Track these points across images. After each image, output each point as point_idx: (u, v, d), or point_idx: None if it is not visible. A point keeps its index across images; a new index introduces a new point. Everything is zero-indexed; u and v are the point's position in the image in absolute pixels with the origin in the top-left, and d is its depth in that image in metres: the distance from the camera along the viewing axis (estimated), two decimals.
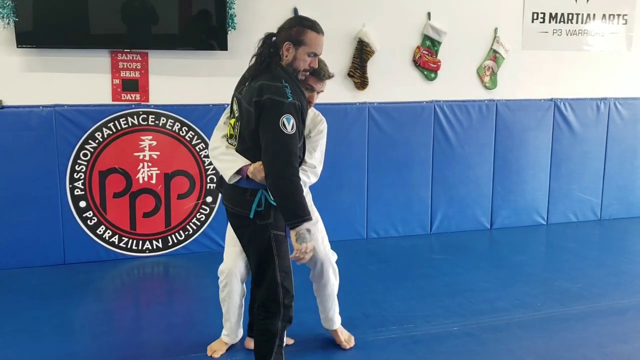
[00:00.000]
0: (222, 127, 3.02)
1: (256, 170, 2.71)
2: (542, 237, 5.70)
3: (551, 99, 5.78)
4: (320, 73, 2.95)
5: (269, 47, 2.75)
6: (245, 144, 2.78)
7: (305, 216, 2.60)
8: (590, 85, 5.92)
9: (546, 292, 4.28)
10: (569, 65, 5.83)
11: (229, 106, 2.97)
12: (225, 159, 2.85)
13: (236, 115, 2.84)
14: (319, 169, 3.10)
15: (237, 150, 2.84)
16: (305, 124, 3.00)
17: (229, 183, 2.81)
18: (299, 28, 2.72)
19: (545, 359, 3.36)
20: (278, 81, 2.67)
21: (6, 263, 4.56)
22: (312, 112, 3.11)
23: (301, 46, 2.72)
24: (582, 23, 5.81)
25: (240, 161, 2.78)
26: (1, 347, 3.41)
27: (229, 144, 2.91)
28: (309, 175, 3.03)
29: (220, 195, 4.87)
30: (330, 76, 3.03)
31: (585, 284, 4.44)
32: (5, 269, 4.54)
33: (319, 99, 3.08)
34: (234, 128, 2.86)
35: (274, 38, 2.77)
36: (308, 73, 2.84)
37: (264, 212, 2.76)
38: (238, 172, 2.77)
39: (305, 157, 3.00)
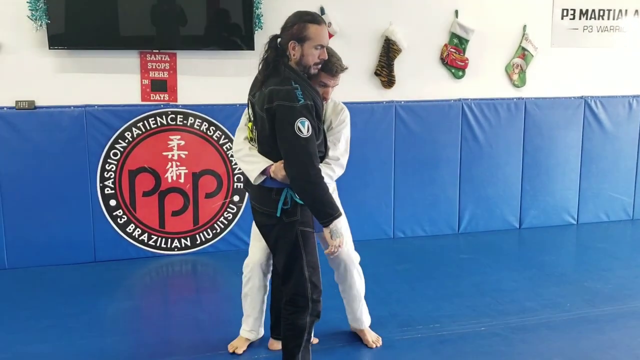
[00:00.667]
0: (244, 129, 3.03)
1: (277, 169, 2.74)
2: (572, 237, 5.62)
3: (581, 97, 5.69)
4: (332, 69, 2.92)
5: (275, 50, 2.76)
6: (264, 147, 2.82)
7: (335, 213, 2.69)
8: (621, 83, 5.81)
9: (576, 293, 4.23)
10: (599, 63, 5.73)
11: (247, 108, 2.98)
12: (249, 161, 2.88)
13: (252, 119, 2.87)
14: (344, 159, 3.06)
15: (259, 152, 2.86)
16: (325, 118, 3.01)
17: (255, 184, 2.84)
18: (299, 24, 2.71)
19: None
20: (287, 84, 2.67)
21: (39, 260, 4.65)
22: (331, 102, 3.08)
23: (306, 41, 2.72)
24: (613, 19, 5.70)
25: (264, 162, 2.80)
26: (36, 342, 3.49)
27: (251, 145, 2.94)
28: (333, 168, 2.99)
29: (247, 194, 4.92)
30: (343, 69, 2.99)
31: (616, 285, 4.37)
32: (38, 266, 4.64)
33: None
34: (252, 131, 2.89)
35: (278, 40, 2.78)
36: (320, 66, 2.82)
37: (290, 210, 2.79)
38: (262, 172, 2.80)
39: (329, 150, 2.99)
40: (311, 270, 2.85)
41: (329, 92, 3.00)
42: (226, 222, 4.99)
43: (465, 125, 5.40)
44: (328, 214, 2.68)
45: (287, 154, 2.67)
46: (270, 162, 2.78)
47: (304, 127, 2.63)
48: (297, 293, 2.84)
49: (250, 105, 2.88)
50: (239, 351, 3.36)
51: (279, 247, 2.86)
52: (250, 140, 2.94)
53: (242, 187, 4.93)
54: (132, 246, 4.83)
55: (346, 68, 3.01)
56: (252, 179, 2.84)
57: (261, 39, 4.66)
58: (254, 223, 3.19)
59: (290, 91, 2.65)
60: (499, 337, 3.57)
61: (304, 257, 2.82)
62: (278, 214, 2.78)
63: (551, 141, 5.66)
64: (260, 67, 2.81)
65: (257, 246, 3.26)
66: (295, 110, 2.62)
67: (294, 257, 2.82)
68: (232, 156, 4.86)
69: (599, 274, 4.60)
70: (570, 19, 5.60)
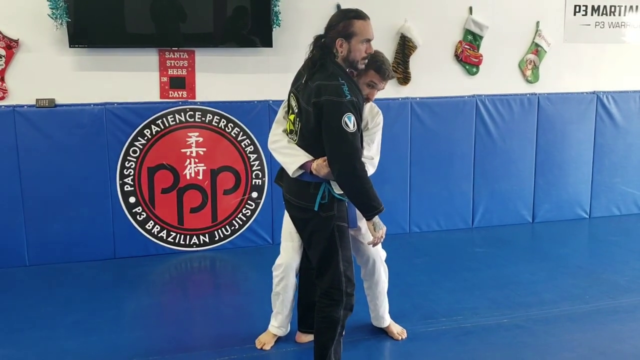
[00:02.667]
0: (282, 121, 3.08)
1: (320, 166, 2.78)
2: (585, 230, 5.67)
3: (593, 92, 5.74)
4: (385, 72, 3.04)
5: (321, 48, 2.81)
6: (306, 140, 2.86)
7: (379, 207, 2.78)
8: (633, 78, 5.86)
9: (593, 285, 4.28)
10: (611, 58, 5.78)
11: (286, 100, 3.03)
12: (288, 153, 2.92)
13: (295, 111, 2.91)
14: (377, 159, 3.18)
15: (298, 145, 2.90)
16: (362, 117, 3.07)
17: (292, 177, 2.88)
18: (345, 22, 2.78)
19: (596, 350, 3.37)
20: (335, 79, 2.74)
21: (60, 257, 4.69)
22: (368, 105, 3.16)
23: (353, 37, 2.79)
24: (624, 15, 5.75)
25: (303, 156, 2.85)
26: (62, 339, 3.53)
27: (290, 138, 2.98)
28: (368, 167, 3.05)
29: (266, 189, 4.95)
30: (392, 77, 3.13)
31: (633, 277, 4.43)
32: (59, 262, 4.67)
33: None
34: (294, 124, 2.93)
35: (323, 39, 2.83)
36: (367, 60, 2.89)
37: (328, 204, 2.84)
38: (301, 166, 2.84)
39: (364, 149, 3.05)
40: (346, 264, 2.90)
41: (374, 94, 3.12)
42: (244, 219, 5.02)
43: (479, 120, 5.45)
44: (373, 207, 2.77)
45: (332, 148, 2.72)
46: (310, 156, 2.83)
47: (350, 122, 2.69)
48: (332, 286, 2.89)
49: (293, 97, 2.92)
50: (267, 347, 3.40)
51: (315, 241, 2.91)
52: (290, 132, 2.98)
53: (260, 183, 4.96)
54: (152, 243, 4.87)
55: (395, 77, 3.13)
56: (290, 172, 2.88)
57: (279, 37, 4.76)
58: (285, 222, 3.24)
59: (338, 86, 2.71)
60: (522, 329, 3.62)
61: (340, 252, 2.87)
62: (316, 208, 2.83)
63: (564, 136, 5.70)
64: (305, 65, 2.87)
65: (289, 246, 3.30)
66: (343, 105, 2.68)
67: (330, 251, 2.87)
68: (251, 152, 4.90)
69: (615, 266, 4.65)
70: (583, 15, 5.64)
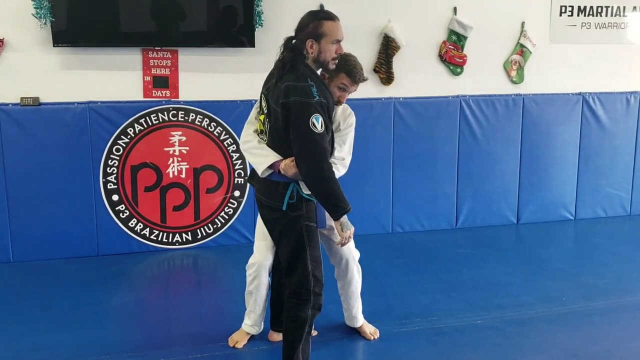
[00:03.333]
0: (253, 122, 3.12)
1: (287, 166, 2.81)
2: (570, 232, 5.67)
3: (579, 93, 5.74)
4: (355, 75, 3.06)
5: (291, 50, 2.84)
6: (275, 141, 2.89)
7: (347, 207, 2.81)
8: (620, 79, 5.85)
9: (572, 287, 4.29)
10: (597, 59, 5.77)
11: (258, 101, 3.07)
12: (258, 153, 2.95)
13: (265, 112, 2.94)
14: (348, 160, 3.19)
15: (268, 145, 2.93)
16: (335, 119, 3.10)
17: (262, 177, 2.91)
18: (315, 22, 2.82)
19: (569, 352, 3.38)
20: (304, 80, 2.76)
21: (43, 254, 4.72)
22: (341, 106, 3.19)
23: (323, 38, 2.82)
24: (611, 16, 5.74)
25: (272, 156, 2.88)
26: (43, 333, 3.58)
27: (260, 138, 3.01)
28: (338, 167, 3.09)
29: (248, 188, 4.99)
30: (363, 80, 3.14)
31: (612, 280, 4.43)
32: (42, 259, 4.71)
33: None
34: (264, 124, 2.96)
35: (293, 40, 2.86)
36: (337, 61, 2.92)
37: (296, 204, 2.87)
38: (270, 166, 2.87)
39: (335, 150, 3.09)
40: (314, 264, 2.92)
41: (345, 97, 3.14)
42: (227, 217, 5.05)
43: (464, 121, 5.46)
44: (340, 207, 2.79)
45: (300, 148, 2.74)
46: (279, 156, 2.86)
47: (318, 122, 2.71)
48: (300, 286, 2.91)
49: (264, 98, 2.95)
50: (239, 345, 3.44)
51: (284, 241, 2.93)
52: (260, 133, 3.01)
53: (242, 182, 4.99)
54: (135, 240, 4.90)
55: (366, 79, 3.17)
56: (259, 172, 2.92)
57: (261, 36, 4.78)
58: (258, 221, 3.26)
59: (306, 87, 2.74)
60: (495, 330, 3.64)
61: (308, 251, 2.90)
62: (284, 208, 2.85)
63: (549, 137, 5.71)
64: (276, 66, 2.89)
65: (261, 245, 3.33)
66: (311, 106, 2.71)
67: (298, 251, 2.89)
68: (234, 151, 4.92)
69: (595, 268, 4.66)
70: (569, 15, 5.64)
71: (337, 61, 2.92)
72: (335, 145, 3.10)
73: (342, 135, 3.17)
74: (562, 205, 5.87)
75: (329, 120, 2.85)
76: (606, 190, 5.96)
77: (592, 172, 5.89)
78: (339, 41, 2.87)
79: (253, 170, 3.08)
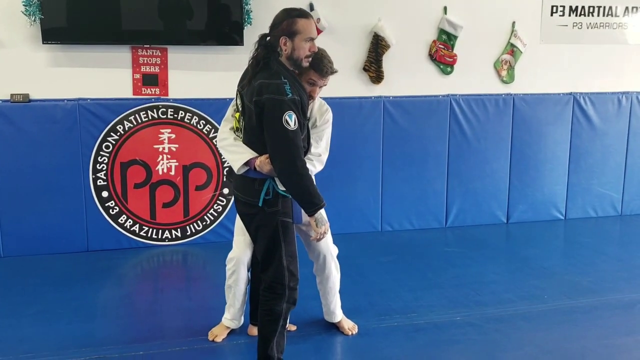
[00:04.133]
0: (230, 119, 3.15)
1: (263, 163, 2.84)
2: (560, 231, 5.67)
3: (570, 93, 5.74)
4: (322, 69, 3.06)
5: (265, 47, 2.87)
6: (250, 138, 2.92)
7: (320, 203, 2.83)
8: (611, 79, 5.86)
9: (555, 285, 4.30)
10: (589, 59, 5.78)
11: (234, 99, 3.10)
12: (234, 151, 2.98)
13: (240, 109, 2.97)
14: (324, 156, 3.21)
15: (244, 142, 2.96)
16: (310, 115, 3.13)
17: (238, 174, 2.95)
18: (288, 20, 2.83)
19: (543, 349, 3.39)
20: (277, 78, 2.79)
21: (32, 249, 4.78)
22: (317, 101, 3.21)
23: (296, 35, 2.84)
24: (603, 16, 5.75)
25: (248, 153, 2.90)
26: (23, 327, 3.62)
27: (237, 136, 3.04)
28: (315, 163, 3.12)
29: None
30: (333, 72, 3.13)
31: (596, 278, 4.43)
32: (32, 254, 4.77)
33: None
34: (239, 121, 3.00)
35: (267, 38, 2.89)
36: (310, 59, 2.93)
37: (272, 200, 2.90)
38: (246, 163, 2.90)
39: (311, 146, 3.11)
40: (289, 259, 2.95)
41: (316, 91, 3.14)
42: (216, 214, 5.09)
43: (454, 120, 5.47)
44: (314, 204, 2.81)
45: (274, 145, 2.77)
46: (255, 153, 2.89)
47: (291, 120, 2.73)
48: (275, 280, 2.94)
49: (239, 96, 2.98)
50: (219, 339, 3.47)
51: (260, 236, 2.97)
52: (236, 130, 3.05)
53: (225, 177, 5.03)
54: (124, 236, 4.95)
55: (336, 71, 3.15)
56: (235, 169, 2.95)
57: (250, 35, 4.80)
58: (237, 217, 3.30)
59: (279, 85, 2.75)
60: (473, 327, 3.65)
61: (283, 246, 2.93)
62: (260, 204, 2.88)
63: (539, 137, 5.71)
64: (250, 64, 2.91)
65: (240, 240, 3.37)
66: (284, 103, 2.73)
67: (274, 246, 2.92)
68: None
69: (581, 267, 4.66)
70: (560, 15, 5.65)
71: (310, 59, 2.94)
72: (312, 141, 3.12)
73: (319, 132, 3.20)
74: (553, 205, 5.87)
75: (303, 117, 2.88)
76: (597, 190, 5.96)
77: (583, 172, 5.89)
78: (312, 39, 2.89)
79: (230, 168, 3.11)
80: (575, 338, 3.53)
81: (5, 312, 3.82)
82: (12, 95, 4.60)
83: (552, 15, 5.63)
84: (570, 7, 5.66)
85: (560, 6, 5.64)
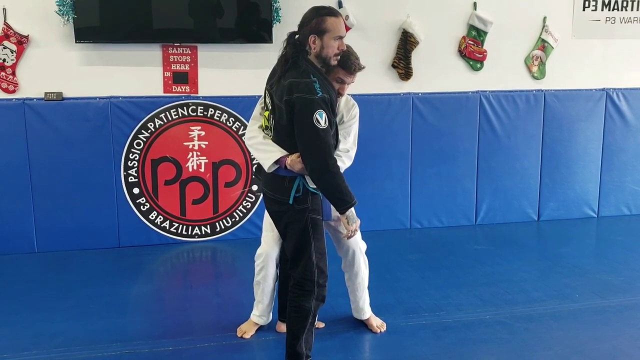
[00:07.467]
0: (258, 118, 3.16)
1: (294, 162, 2.85)
2: (592, 229, 5.59)
3: (603, 89, 5.64)
4: (350, 67, 3.06)
5: (294, 45, 2.87)
6: (280, 136, 2.93)
7: (352, 201, 2.84)
8: None
9: (586, 284, 4.24)
10: (622, 54, 5.67)
11: (262, 97, 3.12)
12: (264, 149, 2.99)
13: (269, 108, 2.99)
14: (353, 152, 3.21)
15: (273, 141, 2.98)
16: (338, 112, 3.13)
17: (268, 172, 2.97)
18: (317, 19, 2.84)
19: (573, 349, 3.35)
20: (307, 77, 2.79)
21: (65, 245, 4.88)
22: (344, 97, 3.21)
23: (325, 34, 2.84)
24: (637, 10, 5.63)
25: (278, 151, 2.92)
26: (56, 321, 3.70)
27: (265, 134, 3.06)
28: (344, 160, 3.13)
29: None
30: (360, 68, 3.13)
31: (628, 277, 4.36)
32: (64, 250, 4.86)
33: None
34: (268, 120, 3.01)
35: (296, 36, 2.89)
36: (339, 57, 2.94)
37: (302, 198, 2.91)
38: (276, 161, 2.91)
39: (339, 143, 3.12)
40: (319, 255, 2.97)
41: (344, 89, 3.15)
42: (245, 211, 5.13)
43: (483, 117, 5.42)
44: (345, 202, 2.83)
45: (305, 144, 2.78)
46: (285, 152, 2.90)
47: (322, 118, 2.75)
48: (304, 277, 2.96)
49: (267, 95, 3.00)
50: (247, 335, 3.50)
51: (289, 233, 2.98)
52: (265, 128, 3.06)
53: (253, 175, 5.06)
54: (155, 233, 5.02)
55: (363, 67, 3.15)
56: (265, 167, 2.96)
57: (279, 32, 4.83)
58: (265, 214, 3.32)
59: (309, 84, 2.76)
60: (502, 325, 3.62)
61: (313, 243, 2.94)
62: (291, 202, 2.90)
63: (571, 134, 5.63)
64: (279, 62, 2.92)
65: (269, 236, 3.39)
66: (314, 102, 2.74)
67: (303, 243, 2.94)
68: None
69: (613, 266, 4.59)
70: (592, 10, 5.55)
71: (339, 57, 2.95)
72: (340, 137, 3.13)
73: (346, 127, 3.19)
74: (585, 203, 5.79)
75: (332, 115, 2.89)
76: (631, 188, 5.85)
77: (616, 169, 5.79)
78: (341, 37, 2.89)
79: (259, 165, 3.13)
80: (606, 338, 3.48)
81: (38, 306, 3.91)
82: (46, 93, 4.70)
83: (584, 10, 5.54)
84: (603, 1, 5.57)
85: (593, 1, 5.54)
